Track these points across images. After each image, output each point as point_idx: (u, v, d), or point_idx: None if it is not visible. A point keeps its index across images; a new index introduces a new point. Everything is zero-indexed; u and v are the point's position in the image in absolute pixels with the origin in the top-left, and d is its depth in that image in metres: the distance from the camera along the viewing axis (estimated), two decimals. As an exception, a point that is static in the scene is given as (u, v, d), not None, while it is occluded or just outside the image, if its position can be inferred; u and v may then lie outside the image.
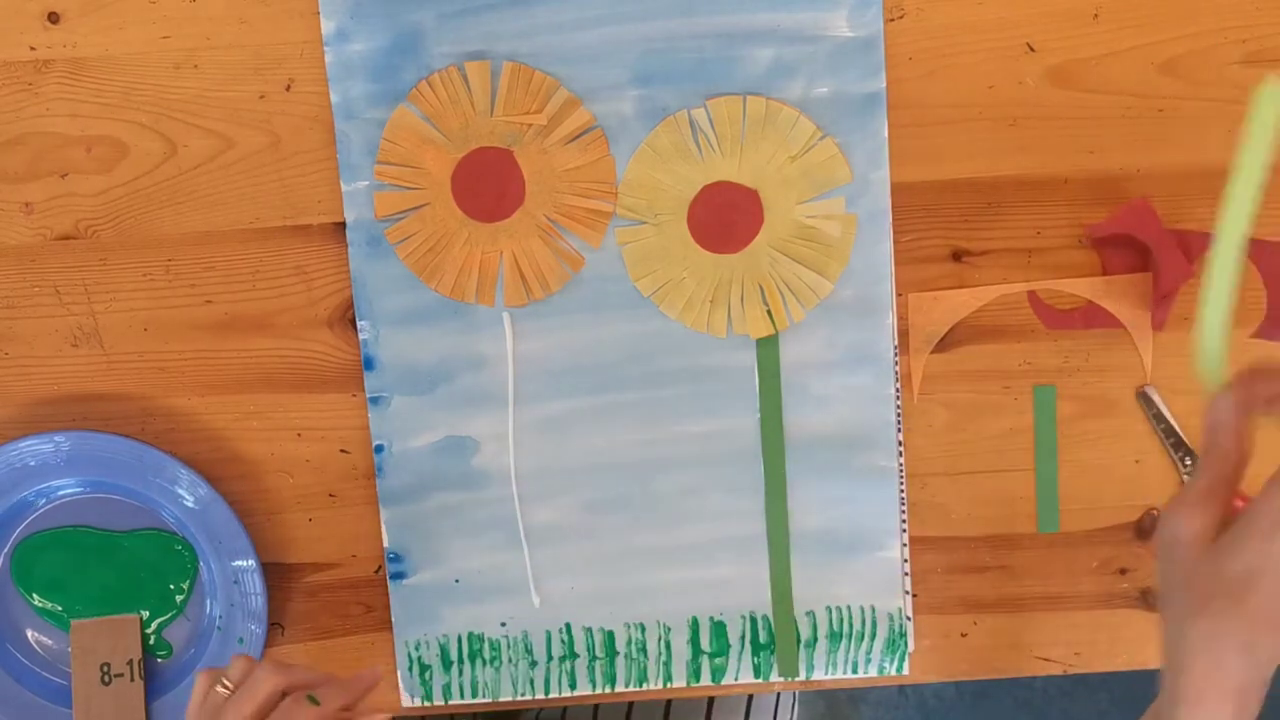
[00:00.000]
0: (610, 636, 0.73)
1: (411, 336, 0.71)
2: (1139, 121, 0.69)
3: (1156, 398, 0.71)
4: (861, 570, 0.72)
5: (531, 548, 0.72)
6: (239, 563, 0.71)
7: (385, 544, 0.72)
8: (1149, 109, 0.69)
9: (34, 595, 0.73)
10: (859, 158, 0.69)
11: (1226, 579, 0.48)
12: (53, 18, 0.70)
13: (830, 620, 0.72)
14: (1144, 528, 0.72)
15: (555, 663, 0.73)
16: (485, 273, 0.70)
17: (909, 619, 0.72)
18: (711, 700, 0.84)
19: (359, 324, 0.71)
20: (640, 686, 0.73)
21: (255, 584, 0.71)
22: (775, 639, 0.73)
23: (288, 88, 0.70)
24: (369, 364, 0.71)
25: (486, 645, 0.73)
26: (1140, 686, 1.55)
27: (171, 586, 0.73)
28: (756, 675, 0.73)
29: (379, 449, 0.72)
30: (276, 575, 0.73)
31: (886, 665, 0.73)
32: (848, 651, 0.73)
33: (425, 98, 0.69)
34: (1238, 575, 0.48)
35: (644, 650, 0.73)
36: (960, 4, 0.69)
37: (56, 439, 0.71)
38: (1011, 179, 0.70)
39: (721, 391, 0.71)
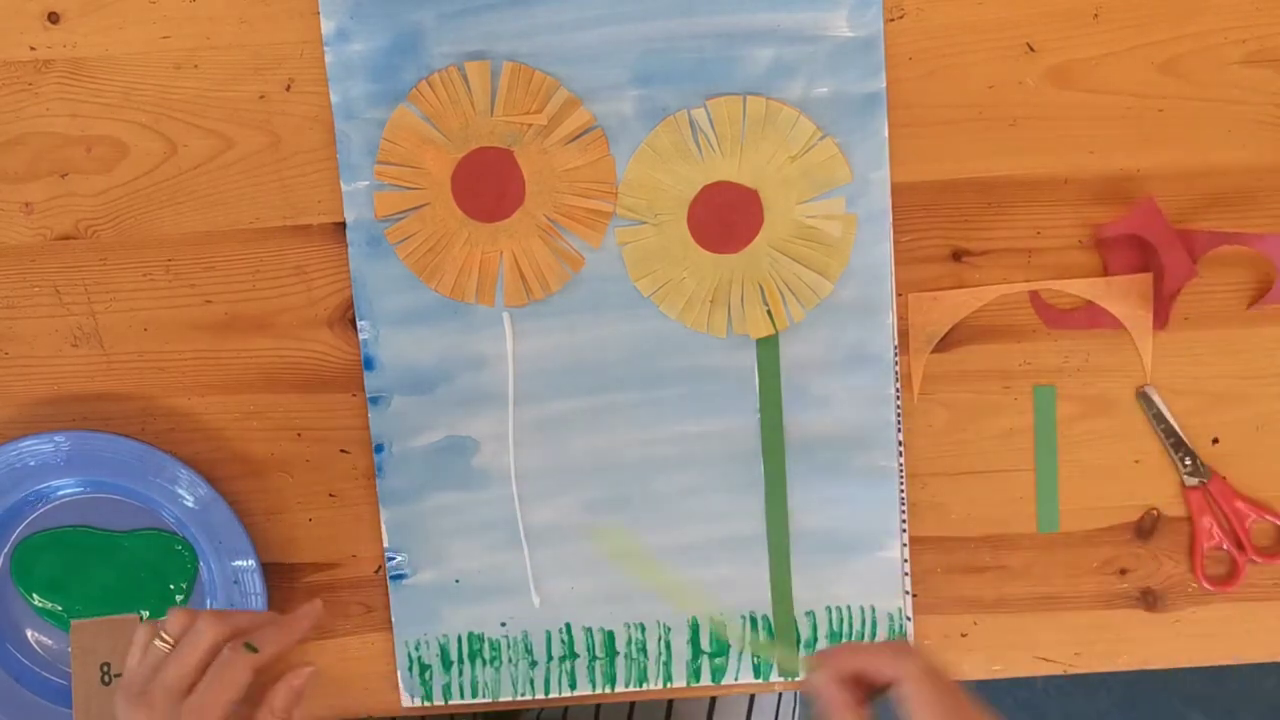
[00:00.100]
0: (610, 636, 0.73)
1: (411, 336, 0.71)
2: (1139, 121, 0.69)
3: (1156, 398, 0.71)
4: (861, 570, 0.72)
5: (531, 548, 0.72)
6: (239, 563, 0.71)
7: (385, 544, 0.72)
8: (1149, 109, 0.69)
9: (34, 595, 0.73)
10: (859, 158, 0.69)
11: None
12: (53, 18, 0.70)
13: (830, 620, 0.72)
14: (1144, 528, 0.72)
15: (555, 663, 0.73)
16: (485, 273, 0.70)
17: (909, 619, 0.72)
18: (713, 700, 0.84)
19: (359, 324, 0.71)
20: (640, 686, 0.73)
21: (255, 584, 0.71)
22: (775, 639, 0.73)
23: (288, 88, 0.70)
24: (369, 364, 0.71)
25: (486, 645, 0.73)
26: (1140, 686, 1.55)
27: (171, 586, 0.73)
28: (756, 675, 0.73)
29: (379, 449, 0.72)
30: (276, 575, 0.73)
31: (886, 665, 0.73)
32: (848, 651, 0.73)
33: (425, 98, 0.69)
34: None
35: (644, 650, 0.73)
36: (960, 4, 0.69)
37: (56, 439, 0.71)
38: (1011, 179, 0.70)
39: (721, 391, 0.71)
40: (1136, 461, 0.72)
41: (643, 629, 0.73)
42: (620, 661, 0.73)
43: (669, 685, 0.73)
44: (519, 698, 0.74)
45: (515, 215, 0.70)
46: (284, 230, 0.71)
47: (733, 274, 0.70)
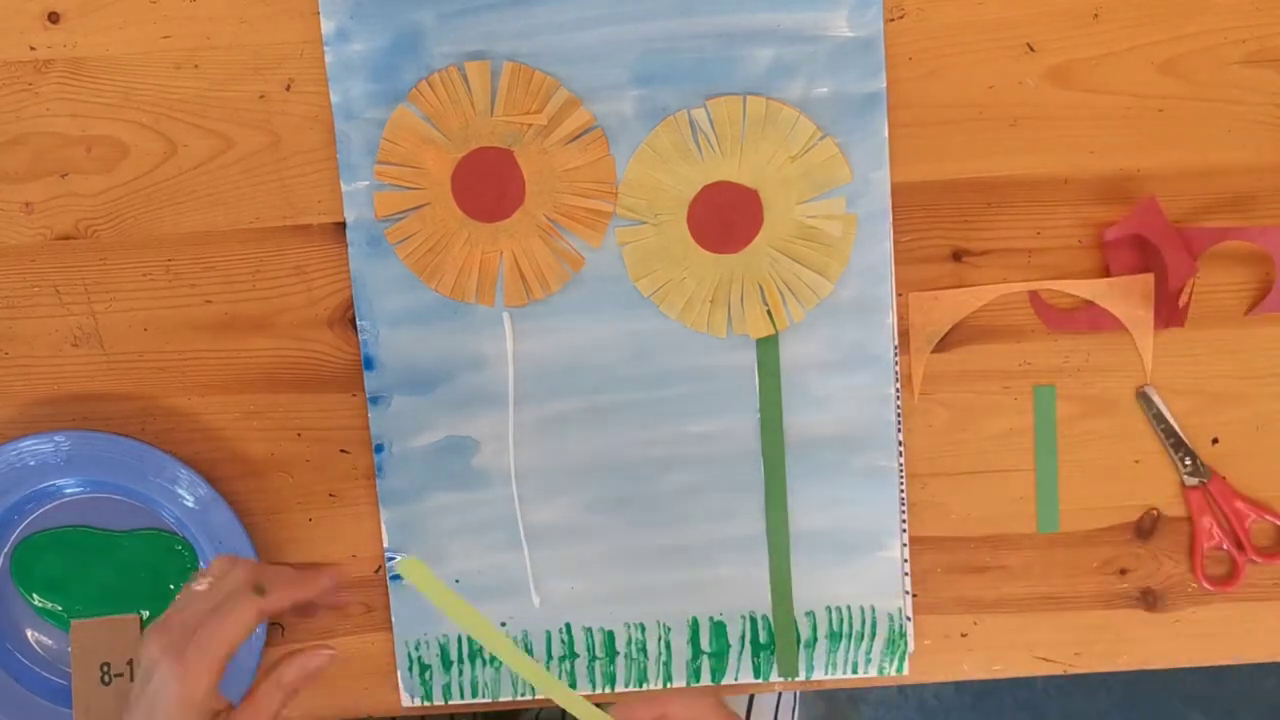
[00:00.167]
0: (610, 636, 0.73)
1: (411, 336, 0.71)
2: (1139, 121, 0.69)
3: (1156, 398, 0.71)
4: (861, 570, 0.72)
5: (531, 548, 0.72)
6: (239, 563, 0.71)
7: (385, 544, 0.72)
8: (1149, 109, 0.69)
9: (34, 595, 0.73)
10: (859, 158, 0.69)
11: None
12: (53, 18, 0.70)
13: (830, 620, 0.72)
14: (1144, 528, 0.72)
15: (555, 663, 0.73)
16: (485, 273, 0.70)
17: (909, 619, 0.72)
18: (711, 700, 0.84)
19: (359, 324, 0.71)
20: (640, 686, 0.73)
21: (255, 584, 0.71)
22: (775, 639, 0.73)
23: (288, 88, 0.70)
24: (369, 364, 0.71)
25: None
26: (1140, 686, 1.55)
27: (171, 586, 0.73)
28: (756, 675, 0.73)
29: (379, 449, 0.72)
30: (276, 575, 0.73)
31: (886, 665, 0.73)
32: (848, 652, 0.73)
33: (425, 98, 0.69)
34: None
35: (644, 650, 0.73)
36: (960, 4, 0.69)
37: (56, 439, 0.71)
38: (1011, 179, 0.70)
39: (721, 391, 0.71)
40: (1136, 461, 0.72)
41: (643, 629, 0.73)
42: (620, 661, 0.73)
43: (669, 685, 0.73)
44: (519, 698, 0.74)
45: (515, 215, 0.70)
46: (284, 230, 0.71)
47: (733, 274, 0.70)
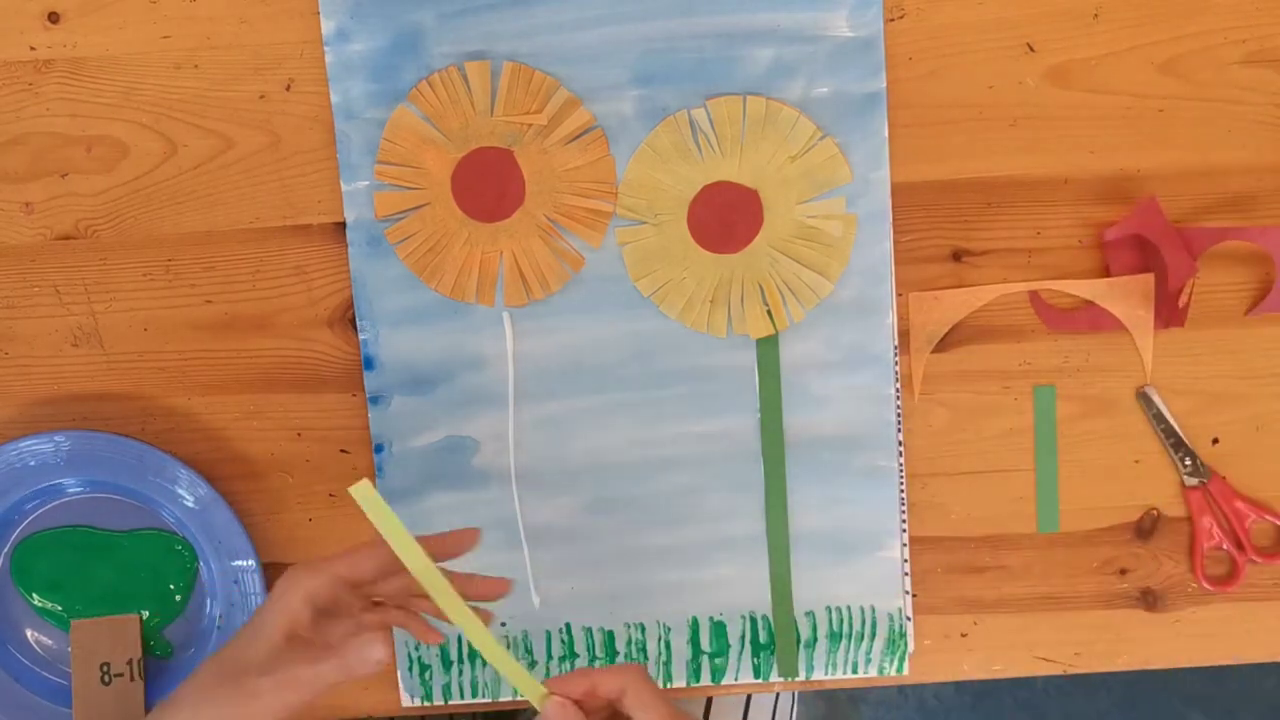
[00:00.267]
0: (610, 636, 0.73)
1: (411, 336, 0.71)
2: (1139, 121, 0.69)
3: (1156, 398, 0.71)
4: (861, 570, 0.72)
5: (531, 548, 0.72)
6: (239, 563, 0.71)
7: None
8: (1149, 109, 0.69)
9: (34, 595, 0.73)
10: (859, 158, 0.69)
11: None
12: (53, 18, 0.70)
13: (830, 620, 0.72)
14: (1144, 528, 0.72)
15: (555, 663, 0.73)
16: (485, 273, 0.70)
17: (909, 619, 0.72)
18: (710, 700, 0.84)
19: (359, 324, 0.71)
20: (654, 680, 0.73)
21: (255, 584, 0.71)
22: (775, 639, 0.73)
23: (288, 88, 0.70)
24: (369, 364, 0.71)
25: (486, 645, 0.73)
26: (1140, 686, 1.55)
27: (171, 586, 0.73)
28: (756, 675, 0.73)
29: (379, 449, 0.72)
30: (276, 575, 0.73)
31: (886, 665, 0.73)
32: (848, 652, 0.73)
33: (425, 98, 0.69)
34: None
35: (644, 650, 0.73)
36: (960, 4, 0.69)
37: (56, 439, 0.71)
38: (1011, 179, 0.70)
39: (721, 391, 0.71)
40: (1136, 461, 0.72)
41: (643, 629, 0.73)
42: (620, 661, 0.73)
43: (669, 685, 0.73)
44: (519, 698, 0.74)
45: (515, 215, 0.70)
46: (284, 230, 0.71)
47: (733, 274, 0.70)
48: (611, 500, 0.72)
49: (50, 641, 0.74)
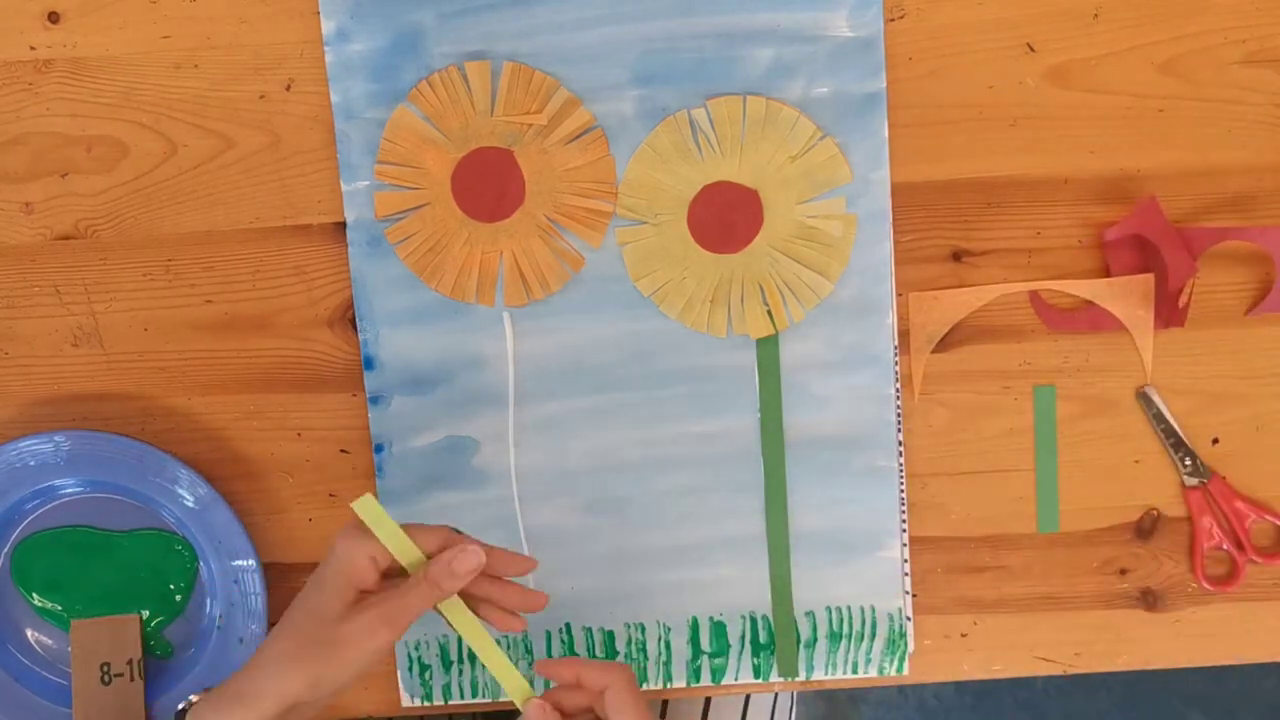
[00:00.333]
0: (610, 636, 0.73)
1: (411, 336, 0.71)
2: (1139, 121, 0.69)
3: (1156, 398, 0.71)
4: (861, 570, 0.72)
5: (531, 548, 0.72)
6: (239, 563, 0.71)
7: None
8: (1149, 109, 0.69)
9: (34, 595, 0.73)
10: (859, 158, 0.69)
11: None
12: (53, 18, 0.70)
13: (830, 620, 0.72)
14: (1144, 528, 0.72)
15: (555, 663, 0.73)
16: (485, 273, 0.70)
17: (909, 619, 0.72)
18: (708, 701, 0.84)
19: (359, 324, 0.71)
20: (640, 686, 0.73)
21: (255, 584, 0.71)
22: (775, 639, 0.73)
23: (288, 88, 0.70)
24: (369, 364, 0.71)
25: (486, 645, 0.73)
26: (1140, 686, 1.55)
27: (171, 586, 0.73)
28: (756, 675, 0.73)
29: (379, 449, 0.72)
30: (277, 575, 0.73)
31: (886, 665, 0.73)
32: (847, 652, 0.73)
33: (425, 98, 0.69)
34: None
35: (644, 650, 0.73)
36: (960, 4, 0.69)
37: (56, 439, 0.71)
38: (1011, 179, 0.70)
39: (721, 391, 0.71)
40: (1136, 461, 0.72)
41: (643, 629, 0.73)
42: (620, 661, 0.73)
43: (669, 685, 0.73)
44: (519, 698, 0.74)
45: (515, 215, 0.70)
46: (284, 230, 0.71)
47: (733, 274, 0.70)
48: (611, 500, 0.72)
49: (50, 641, 0.74)
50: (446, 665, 0.73)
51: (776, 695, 0.88)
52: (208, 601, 0.73)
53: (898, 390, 0.71)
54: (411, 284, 0.70)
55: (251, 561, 0.71)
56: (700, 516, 0.72)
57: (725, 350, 0.71)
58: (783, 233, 0.70)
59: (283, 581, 0.73)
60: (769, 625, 0.73)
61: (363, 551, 0.58)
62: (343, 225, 0.70)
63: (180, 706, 0.59)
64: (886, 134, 0.69)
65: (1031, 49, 0.69)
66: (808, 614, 0.72)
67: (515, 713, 0.83)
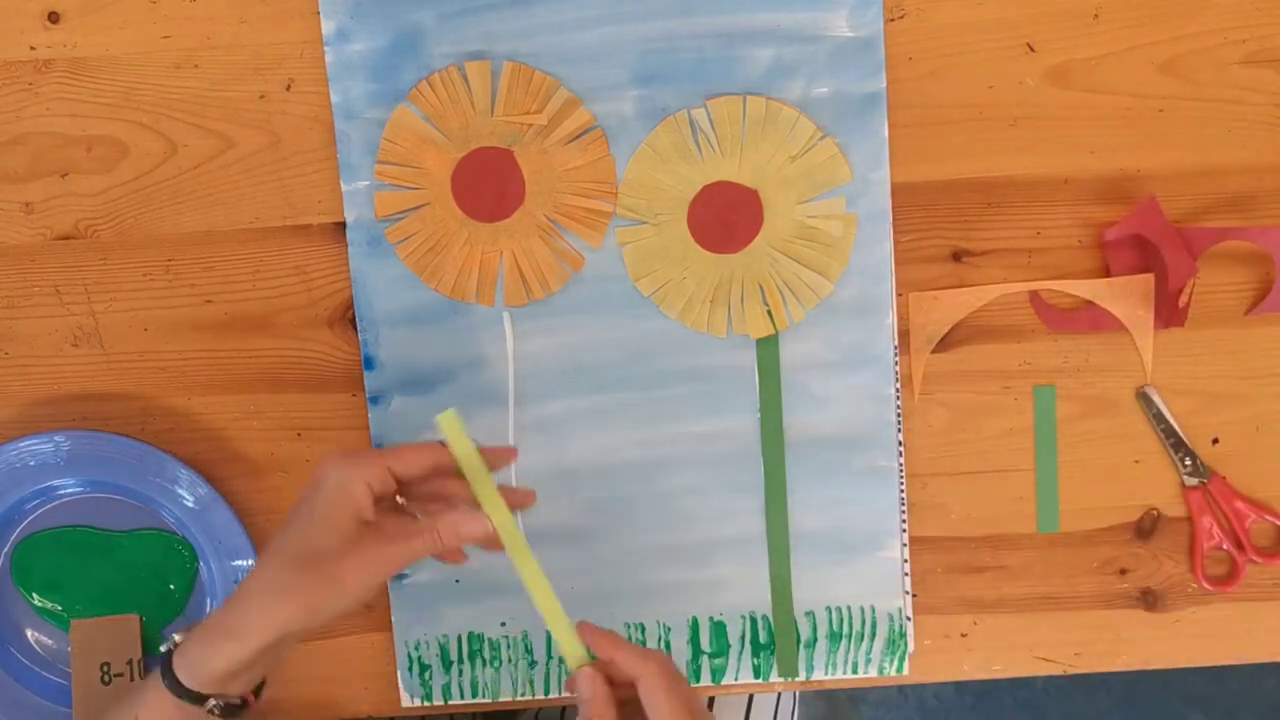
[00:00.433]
0: (610, 636, 0.73)
1: (411, 336, 0.71)
2: (1139, 121, 0.69)
3: (1156, 398, 0.71)
4: (861, 570, 0.72)
5: (531, 548, 0.72)
6: (239, 563, 0.71)
7: (385, 544, 0.72)
8: (1149, 109, 0.69)
9: (34, 595, 0.73)
10: (859, 158, 0.69)
11: None
12: (53, 18, 0.70)
13: (830, 620, 0.72)
14: (1144, 528, 0.72)
15: (555, 663, 0.73)
16: (485, 273, 0.70)
17: (909, 619, 0.72)
18: (711, 700, 0.84)
19: (359, 324, 0.71)
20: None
21: (255, 584, 0.71)
22: (775, 639, 0.73)
23: (288, 88, 0.70)
24: (369, 364, 0.71)
25: (486, 645, 0.73)
26: (1140, 686, 1.55)
27: (171, 586, 0.73)
28: (756, 675, 0.73)
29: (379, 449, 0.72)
30: (276, 575, 0.73)
31: (886, 665, 0.73)
32: (848, 652, 0.73)
33: (425, 98, 0.69)
34: None
35: (644, 650, 0.73)
36: (960, 4, 0.69)
37: (56, 439, 0.71)
38: (1011, 179, 0.70)
39: (721, 391, 0.71)
40: (1136, 461, 0.72)
41: (643, 629, 0.73)
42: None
43: (669, 685, 0.73)
44: (519, 698, 0.74)
45: (515, 215, 0.70)
46: (284, 230, 0.71)
47: (733, 274, 0.70)
48: (611, 500, 0.72)
49: (50, 641, 0.74)
50: (446, 665, 0.73)
51: (780, 695, 0.88)
52: (208, 601, 0.73)
53: (898, 390, 0.71)
54: (411, 284, 0.70)
55: (251, 561, 0.71)
56: (700, 516, 0.72)
57: (725, 350, 0.71)
58: (783, 233, 0.70)
59: (283, 581, 0.73)
60: (769, 625, 0.73)
61: (359, 479, 0.57)
62: (343, 225, 0.70)
63: (164, 648, 0.59)
64: (886, 134, 0.69)
65: (1031, 49, 0.69)
66: (808, 614, 0.72)
67: (515, 713, 0.83)
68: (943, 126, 0.70)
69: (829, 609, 0.72)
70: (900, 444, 0.71)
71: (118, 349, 0.72)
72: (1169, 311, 0.69)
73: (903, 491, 0.71)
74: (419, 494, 0.61)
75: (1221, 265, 0.70)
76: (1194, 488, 0.71)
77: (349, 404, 0.72)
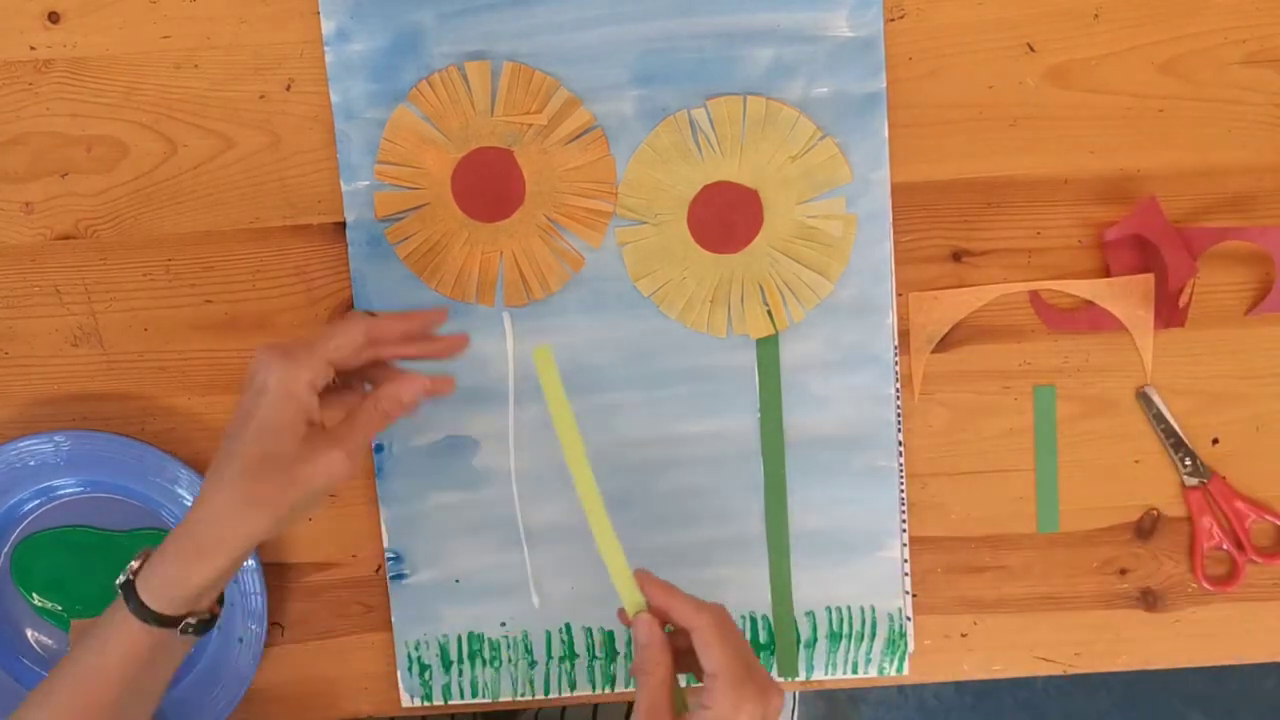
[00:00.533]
0: (610, 636, 0.73)
1: (411, 336, 0.71)
2: (1139, 121, 0.69)
3: (1156, 398, 0.71)
4: (861, 570, 0.72)
5: (531, 548, 0.72)
6: (239, 563, 0.71)
7: (385, 544, 0.72)
8: (1149, 109, 0.69)
9: (34, 595, 0.73)
10: (859, 158, 0.69)
11: None
12: (53, 18, 0.70)
13: (830, 620, 0.72)
14: (1144, 528, 0.72)
15: (555, 663, 0.73)
16: (485, 273, 0.70)
17: (909, 619, 0.72)
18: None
19: (359, 324, 0.71)
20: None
21: (255, 584, 0.71)
22: (775, 639, 0.73)
23: (288, 88, 0.70)
24: (369, 364, 0.71)
25: (486, 645, 0.73)
26: (1140, 686, 1.55)
27: (171, 586, 0.73)
28: (756, 675, 0.73)
29: (379, 449, 0.72)
30: (276, 575, 0.73)
31: (886, 665, 0.73)
32: (848, 652, 0.73)
33: (425, 97, 0.69)
34: None
35: (644, 650, 0.73)
36: (960, 4, 0.69)
37: (56, 439, 0.71)
38: (1011, 179, 0.70)
39: (721, 391, 0.71)
40: (1136, 461, 0.72)
41: (643, 629, 0.73)
42: (620, 661, 0.73)
43: (669, 685, 0.73)
44: (519, 698, 0.74)
45: (515, 215, 0.70)
46: (284, 230, 0.71)
47: (733, 274, 0.70)
48: (612, 500, 0.72)
49: (50, 641, 0.74)
50: (446, 665, 0.73)
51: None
52: (208, 601, 0.73)
53: (898, 390, 0.71)
54: (411, 284, 0.70)
55: (251, 561, 0.71)
56: (700, 516, 0.72)
57: (725, 350, 0.71)
58: (783, 233, 0.70)
59: (283, 581, 0.73)
60: (769, 625, 0.73)
61: (302, 380, 0.57)
62: (343, 225, 0.70)
63: (122, 579, 0.59)
64: (886, 134, 0.69)
65: (1031, 49, 0.69)
66: (808, 614, 0.72)
67: (515, 713, 0.83)
68: (943, 126, 0.70)
69: (829, 609, 0.72)
70: (900, 444, 0.71)
71: (118, 349, 0.72)
72: (1169, 311, 0.69)
73: (903, 491, 0.71)
74: (356, 370, 0.62)
75: (1221, 265, 0.70)
76: (1194, 488, 0.71)
77: (349, 404, 0.72)
